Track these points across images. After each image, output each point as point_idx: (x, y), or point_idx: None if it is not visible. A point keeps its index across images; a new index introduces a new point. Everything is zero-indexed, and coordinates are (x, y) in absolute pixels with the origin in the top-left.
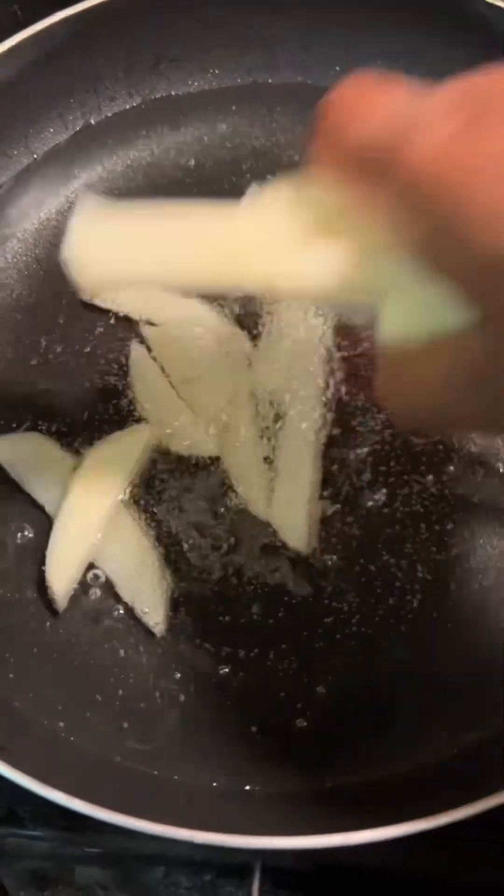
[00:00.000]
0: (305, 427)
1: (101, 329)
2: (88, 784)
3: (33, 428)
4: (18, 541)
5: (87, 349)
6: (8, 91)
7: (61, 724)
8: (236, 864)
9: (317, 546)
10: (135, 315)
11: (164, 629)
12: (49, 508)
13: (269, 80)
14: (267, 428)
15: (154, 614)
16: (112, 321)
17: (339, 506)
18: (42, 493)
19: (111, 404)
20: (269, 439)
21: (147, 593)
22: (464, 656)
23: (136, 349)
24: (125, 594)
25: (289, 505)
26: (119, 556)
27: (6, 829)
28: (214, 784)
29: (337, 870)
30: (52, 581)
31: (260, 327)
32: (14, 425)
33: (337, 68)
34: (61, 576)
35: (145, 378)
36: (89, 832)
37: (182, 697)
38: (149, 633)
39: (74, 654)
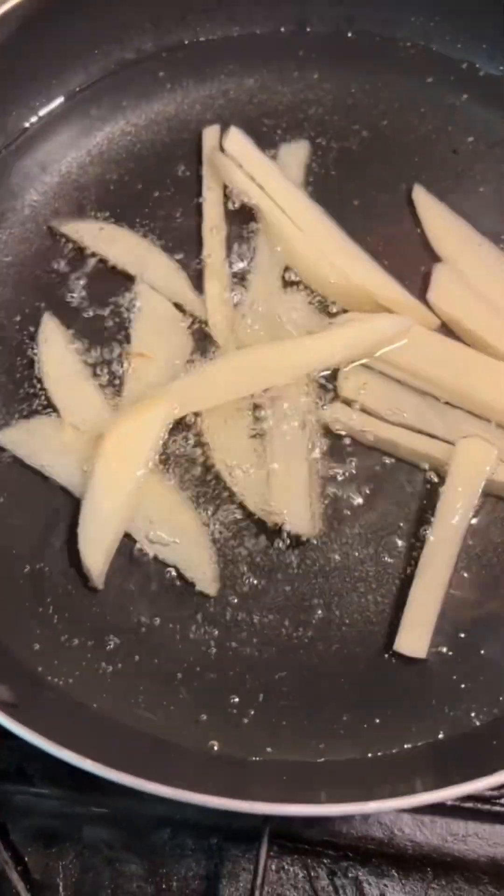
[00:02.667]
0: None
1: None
2: (99, 745)
3: (33, 412)
4: (49, 523)
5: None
6: (28, 39)
7: (75, 685)
8: (244, 829)
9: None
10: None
11: (217, 587)
12: (74, 490)
13: (304, 30)
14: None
15: (205, 574)
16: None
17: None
18: (65, 477)
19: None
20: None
21: (194, 556)
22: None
23: (47, 321)
24: (169, 558)
25: (288, 492)
26: (157, 523)
27: (14, 787)
28: (223, 751)
29: (344, 839)
30: (87, 561)
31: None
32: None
33: (381, 18)
34: (96, 554)
35: (53, 354)
36: (97, 792)
37: (197, 667)
38: (173, 598)
39: (98, 620)
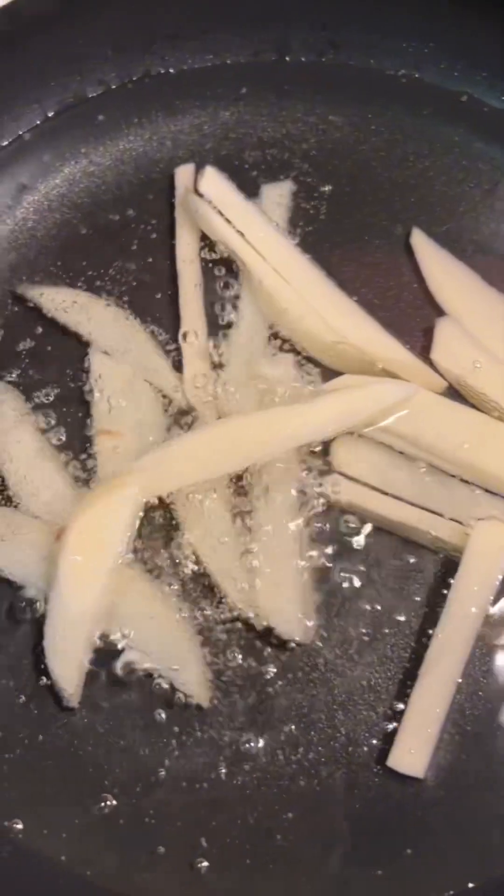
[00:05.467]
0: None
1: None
2: None
3: None
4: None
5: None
6: None
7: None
8: None
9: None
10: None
11: (209, 696)
12: (34, 590)
13: (284, 58)
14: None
15: (196, 681)
16: None
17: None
18: (24, 574)
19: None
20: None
21: (181, 660)
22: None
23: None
24: (152, 665)
25: (277, 592)
26: (135, 624)
27: None
28: None
29: None
30: (58, 676)
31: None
32: None
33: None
34: (67, 667)
35: (9, 433)
36: None
37: (192, 806)
38: (157, 717)
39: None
